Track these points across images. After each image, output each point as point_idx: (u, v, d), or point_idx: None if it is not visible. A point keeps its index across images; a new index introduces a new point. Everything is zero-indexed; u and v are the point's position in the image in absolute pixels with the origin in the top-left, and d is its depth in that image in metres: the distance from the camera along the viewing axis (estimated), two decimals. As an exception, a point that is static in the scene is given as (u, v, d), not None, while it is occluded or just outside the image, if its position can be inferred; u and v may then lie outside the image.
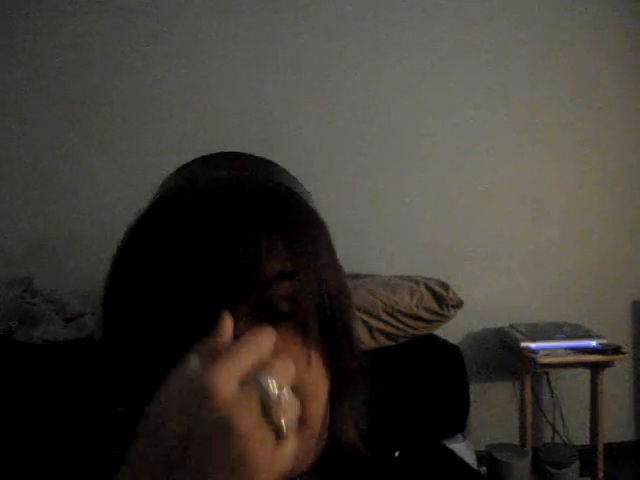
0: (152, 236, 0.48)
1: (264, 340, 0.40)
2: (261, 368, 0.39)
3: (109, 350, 0.51)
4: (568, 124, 2.90)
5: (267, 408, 0.37)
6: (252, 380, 0.38)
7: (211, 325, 0.42)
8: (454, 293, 2.30)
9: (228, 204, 0.48)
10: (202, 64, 2.73)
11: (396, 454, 0.58)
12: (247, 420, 0.36)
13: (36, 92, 2.65)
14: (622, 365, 2.72)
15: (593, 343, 2.51)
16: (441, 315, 2.29)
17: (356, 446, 0.53)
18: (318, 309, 0.48)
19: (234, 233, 0.46)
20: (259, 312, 0.46)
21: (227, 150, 0.62)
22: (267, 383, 0.38)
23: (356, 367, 0.52)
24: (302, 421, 0.43)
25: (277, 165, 0.59)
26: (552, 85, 2.88)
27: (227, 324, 0.42)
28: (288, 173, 0.59)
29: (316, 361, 0.48)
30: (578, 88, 2.90)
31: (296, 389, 0.41)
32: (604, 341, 2.51)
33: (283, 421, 0.38)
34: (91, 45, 2.67)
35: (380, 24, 2.80)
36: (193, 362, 0.38)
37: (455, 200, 2.84)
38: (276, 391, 0.38)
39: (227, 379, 0.37)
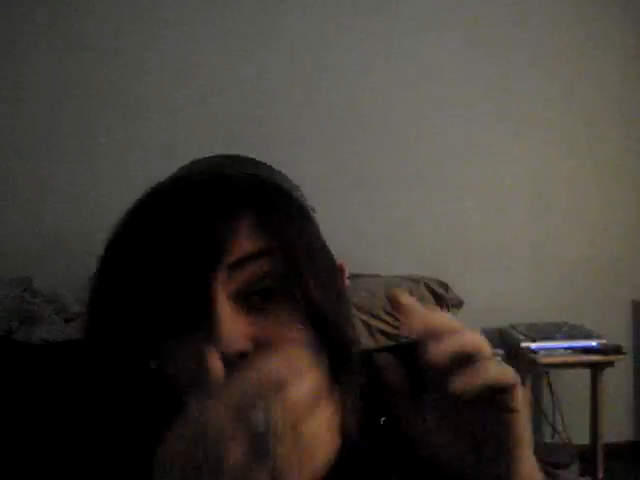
0: (135, 226, 0.50)
1: (263, 365, 0.40)
2: (261, 394, 0.38)
3: (95, 336, 0.51)
4: (570, 120, 2.89)
5: (259, 440, 0.37)
6: (248, 410, 0.38)
7: (194, 309, 0.45)
8: (454, 293, 2.31)
9: (204, 190, 0.49)
10: (200, 47, 2.72)
11: (382, 421, 0.56)
12: (235, 453, 0.37)
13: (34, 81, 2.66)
14: (622, 365, 2.72)
15: (593, 343, 2.50)
16: (441, 315, 2.28)
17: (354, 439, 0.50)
18: (302, 286, 0.48)
19: (210, 215, 0.47)
20: (245, 293, 0.47)
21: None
22: (257, 417, 0.37)
23: (351, 353, 0.51)
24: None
25: (265, 164, 0.59)
26: (553, 79, 2.88)
27: (215, 361, 0.43)
28: (273, 169, 0.59)
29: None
30: (579, 82, 2.89)
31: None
32: (604, 341, 2.51)
33: (277, 451, 0.37)
34: (89, 24, 2.68)
35: (379, 14, 2.80)
36: (192, 405, 0.40)
37: (455, 200, 2.84)
38: (269, 423, 0.37)
39: (217, 415, 0.38)
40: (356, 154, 2.78)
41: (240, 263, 0.47)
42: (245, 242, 0.47)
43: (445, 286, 2.32)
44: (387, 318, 2.22)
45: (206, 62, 2.72)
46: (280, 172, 0.59)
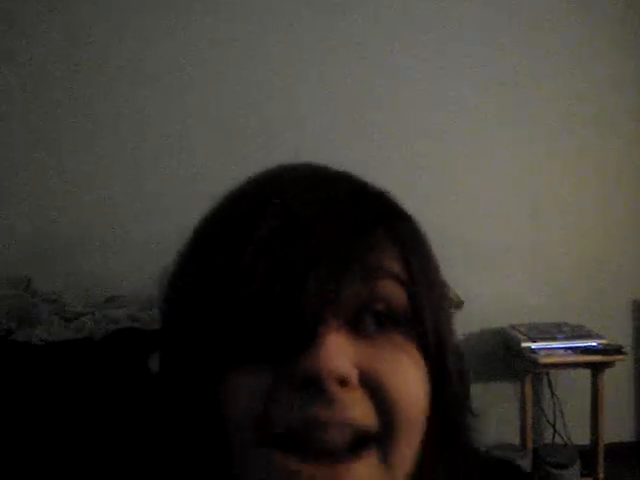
0: (249, 219, 0.42)
1: None
2: None
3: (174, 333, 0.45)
4: (567, 121, 2.89)
5: None
6: None
7: (295, 329, 0.38)
8: (454, 293, 2.30)
9: (339, 191, 0.44)
10: (199, 48, 2.71)
11: None
12: None
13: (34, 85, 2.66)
14: (623, 365, 2.72)
15: (594, 343, 2.50)
16: (441, 315, 2.28)
17: None
18: (429, 326, 0.43)
19: (342, 222, 0.41)
20: (358, 314, 0.40)
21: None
22: None
23: (463, 400, 0.48)
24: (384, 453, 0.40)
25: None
26: (551, 81, 2.88)
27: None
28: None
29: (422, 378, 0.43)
30: (578, 84, 2.89)
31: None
32: (605, 341, 2.51)
33: None
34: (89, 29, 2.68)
35: (380, 13, 2.80)
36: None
37: (454, 200, 2.84)
38: None
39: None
40: (355, 156, 2.77)
41: (368, 277, 0.40)
42: (378, 255, 0.41)
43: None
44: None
45: (215, 70, 2.72)
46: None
